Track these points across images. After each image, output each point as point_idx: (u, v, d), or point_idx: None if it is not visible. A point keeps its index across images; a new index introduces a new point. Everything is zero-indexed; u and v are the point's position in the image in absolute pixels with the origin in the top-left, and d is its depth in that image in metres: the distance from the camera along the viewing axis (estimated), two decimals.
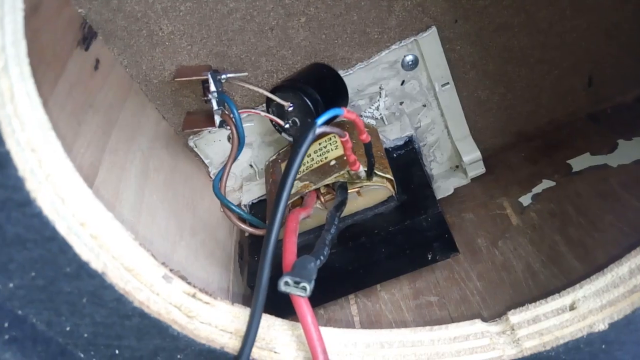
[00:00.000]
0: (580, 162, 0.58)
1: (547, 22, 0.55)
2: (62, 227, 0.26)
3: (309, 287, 0.29)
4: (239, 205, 0.56)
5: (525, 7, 0.54)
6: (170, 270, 0.34)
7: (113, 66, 0.54)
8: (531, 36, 0.56)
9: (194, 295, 0.34)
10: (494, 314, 0.50)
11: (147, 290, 0.32)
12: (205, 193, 0.61)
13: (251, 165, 0.63)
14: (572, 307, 0.38)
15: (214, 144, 0.60)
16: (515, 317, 0.39)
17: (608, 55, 0.58)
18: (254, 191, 0.61)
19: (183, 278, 0.35)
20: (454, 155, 0.63)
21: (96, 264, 0.28)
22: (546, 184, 0.58)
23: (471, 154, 0.60)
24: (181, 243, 0.51)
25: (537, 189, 0.58)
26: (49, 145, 0.26)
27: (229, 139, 0.60)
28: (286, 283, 0.30)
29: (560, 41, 0.57)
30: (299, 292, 0.30)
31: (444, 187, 0.62)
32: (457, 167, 0.64)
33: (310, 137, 0.35)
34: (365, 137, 0.41)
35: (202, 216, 0.58)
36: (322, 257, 0.36)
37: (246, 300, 0.57)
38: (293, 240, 0.40)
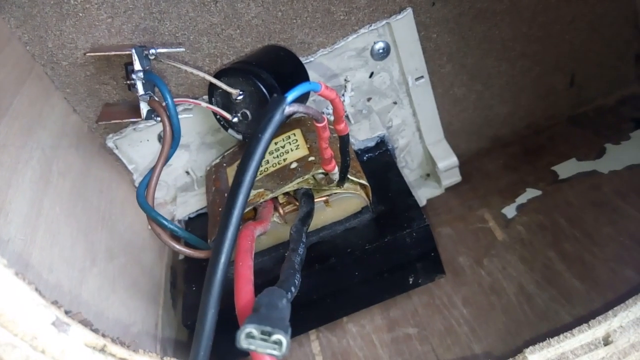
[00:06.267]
0: (566, 169, 0.52)
1: (531, 11, 0.49)
2: None
3: (285, 340, 0.19)
4: (172, 221, 0.45)
5: None
6: (67, 312, 0.23)
7: (8, 41, 0.42)
8: (514, 26, 0.50)
9: (102, 349, 0.23)
10: (488, 348, 0.42)
11: (27, 346, 0.20)
12: (127, 206, 0.49)
13: (187, 172, 0.51)
14: (607, 341, 0.30)
15: (140, 145, 0.49)
16: (536, 356, 0.31)
17: (591, 51, 0.53)
18: (191, 204, 0.50)
19: (86, 323, 0.23)
20: (424, 162, 0.56)
21: None
22: (531, 193, 0.51)
23: (446, 160, 0.52)
24: (92, 270, 0.39)
25: (522, 199, 0.51)
26: None
27: (159, 138, 0.48)
28: (249, 335, 0.19)
29: (543, 33, 0.51)
30: (271, 349, 0.19)
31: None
32: (428, 175, 0.56)
33: (277, 117, 0.25)
34: (344, 127, 0.32)
35: (123, 235, 0.46)
36: (293, 289, 0.26)
37: (180, 347, 0.45)
38: (249, 265, 0.30)
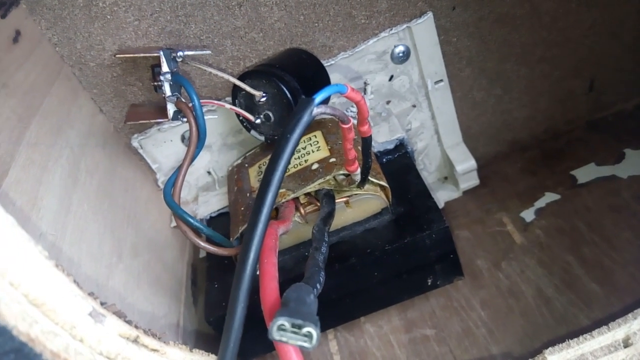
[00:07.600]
0: (585, 173, 0.52)
1: (550, 16, 0.50)
2: None
3: (315, 333, 0.20)
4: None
5: None
6: (102, 304, 0.24)
7: (39, 42, 0.43)
8: (534, 31, 0.50)
9: (135, 340, 0.24)
10: (506, 350, 0.42)
11: (67, 335, 0.21)
12: (151, 205, 0.50)
13: (209, 172, 0.52)
14: (627, 344, 0.30)
15: (163, 145, 0.50)
16: (555, 357, 0.31)
17: (611, 56, 0.53)
18: (212, 203, 0.51)
19: (120, 315, 0.24)
20: (442, 165, 0.56)
21: None
22: (550, 197, 0.51)
23: (465, 163, 0.52)
24: (119, 266, 0.40)
25: (540, 203, 0.51)
26: None
27: (183, 139, 0.49)
28: (281, 328, 0.20)
29: (563, 38, 0.51)
30: (302, 341, 0.20)
31: None
32: (446, 178, 0.57)
33: (305, 118, 0.26)
34: (367, 128, 0.32)
35: (147, 233, 0.47)
36: (318, 286, 0.26)
37: (201, 339, 0.46)
38: (273, 262, 0.30)
